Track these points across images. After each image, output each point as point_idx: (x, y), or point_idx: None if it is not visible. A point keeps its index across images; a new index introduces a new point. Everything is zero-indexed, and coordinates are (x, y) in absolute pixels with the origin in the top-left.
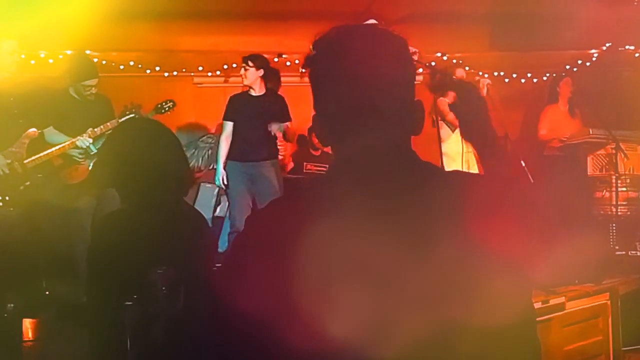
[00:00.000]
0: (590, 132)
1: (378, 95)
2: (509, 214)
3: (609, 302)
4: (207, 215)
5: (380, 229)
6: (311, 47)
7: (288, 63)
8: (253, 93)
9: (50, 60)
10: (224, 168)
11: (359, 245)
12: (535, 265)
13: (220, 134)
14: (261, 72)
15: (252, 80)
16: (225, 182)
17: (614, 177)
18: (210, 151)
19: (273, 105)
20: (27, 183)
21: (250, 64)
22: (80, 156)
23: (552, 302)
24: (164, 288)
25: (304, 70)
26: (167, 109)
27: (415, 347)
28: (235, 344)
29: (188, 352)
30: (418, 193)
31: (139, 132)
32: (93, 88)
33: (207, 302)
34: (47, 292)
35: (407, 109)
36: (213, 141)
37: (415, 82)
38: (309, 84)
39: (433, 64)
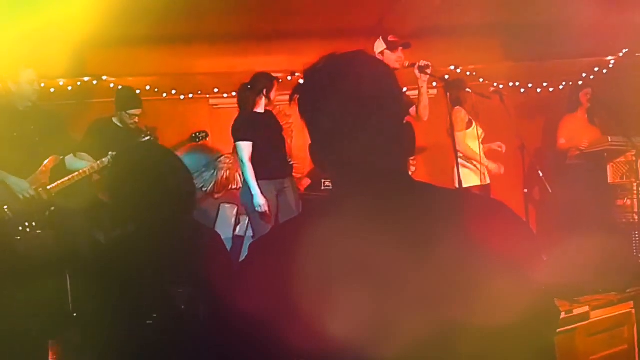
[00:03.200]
0: (610, 140)
1: (369, 121)
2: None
3: (633, 310)
4: (228, 234)
5: (382, 235)
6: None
7: (301, 81)
8: (260, 111)
9: (69, 88)
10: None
11: (358, 249)
12: (534, 264)
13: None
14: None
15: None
16: (267, 209)
17: (635, 184)
18: (228, 172)
19: (277, 121)
20: (52, 208)
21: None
22: None
23: (576, 311)
24: (183, 307)
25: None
26: (200, 138)
27: (415, 347)
28: (235, 344)
29: (188, 352)
30: (418, 210)
31: (141, 155)
32: (137, 117)
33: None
34: (75, 314)
35: (398, 131)
36: (231, 162)
37: (430, 96)
38: (300, 112)
39: (447, 77)
